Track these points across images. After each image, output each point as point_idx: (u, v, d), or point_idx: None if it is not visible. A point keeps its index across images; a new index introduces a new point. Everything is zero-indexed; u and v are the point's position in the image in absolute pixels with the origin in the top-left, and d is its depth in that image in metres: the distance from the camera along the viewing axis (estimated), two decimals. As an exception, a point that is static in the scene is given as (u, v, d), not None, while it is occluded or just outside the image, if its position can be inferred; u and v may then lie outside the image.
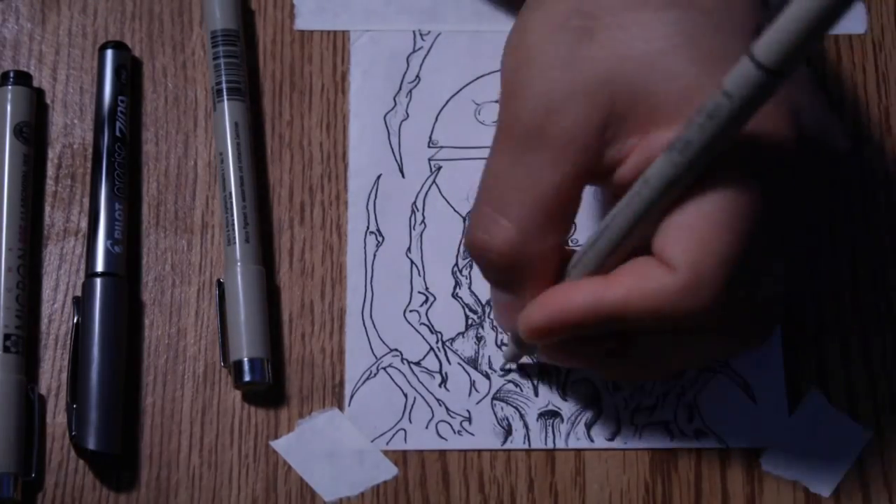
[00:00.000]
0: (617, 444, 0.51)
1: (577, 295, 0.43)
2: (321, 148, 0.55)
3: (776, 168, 0.41)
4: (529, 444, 0.51)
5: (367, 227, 0.54)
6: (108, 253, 0.52)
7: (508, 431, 0.51)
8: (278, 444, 0.51)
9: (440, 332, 0.52)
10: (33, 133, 0.54)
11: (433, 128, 0.55)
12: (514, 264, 0.44)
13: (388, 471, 0.50)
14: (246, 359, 0.50)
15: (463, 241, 0.45)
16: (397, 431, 0.51)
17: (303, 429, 0.51)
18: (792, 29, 0.35)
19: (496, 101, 0.56)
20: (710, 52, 0.41)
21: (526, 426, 0.51)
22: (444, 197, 0.54)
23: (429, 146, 0.55)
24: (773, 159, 0.41)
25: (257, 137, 0.55)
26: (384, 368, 0.52)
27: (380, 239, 0.54)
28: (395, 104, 0.56)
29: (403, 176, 0.55)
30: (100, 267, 0.51)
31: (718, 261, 0.40)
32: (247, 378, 0.50)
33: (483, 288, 0.53)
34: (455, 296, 0.53)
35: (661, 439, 0.51)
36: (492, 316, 0.52)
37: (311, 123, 0.55)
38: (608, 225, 0.42)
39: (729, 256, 0.40)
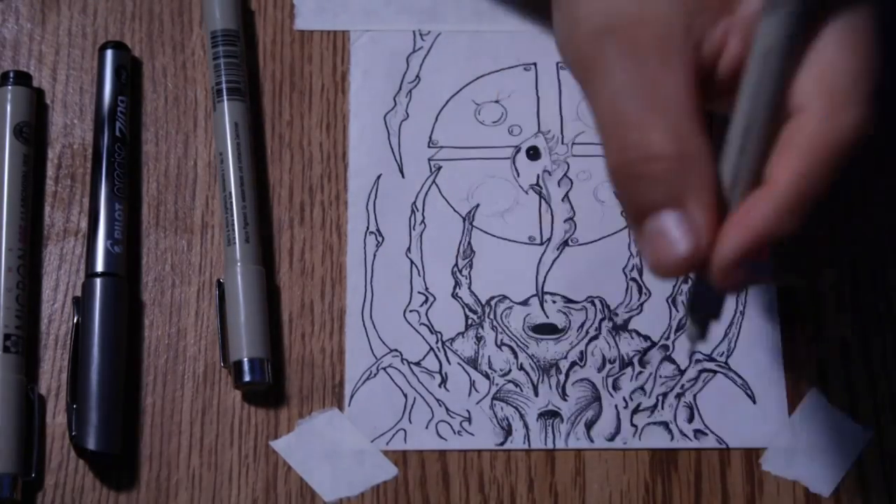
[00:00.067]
0: (617, 444, 0.51)
1: (762, 201, 0.40)
2: (321, 148, 0.55)
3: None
4: (529, 444, 0.51)
5: (367, 227, 0.54)
6: (108, 253, 0.52)
7: (508, 431, 0.51)
8: (278, 444, 0.51)
9: (440, 332, 0.52)
10: (33, 133, 0.54)
11: (433, 128, 0.55)
12: (679, 167, 0.41)
13: (388, 471, 0.50)
14: (246, 359, 0.50)
15: (610, 170, 0.42)
16: (397, 431, 0.51)
17: (303, 429, 0.51)
18: None
19: (496, 101, 0.56)
20: None
21: (526, 426, 0.51)
22: (444, 197, 0.54)
23: (429, 146, 0.55)
24: None
25: (257, 137, 0.55)
26: (384, 368, 0.52)
27: (380, 239, 0.54)
28: (395, 104, 0.56)
29: (403, 176, 0.55)
30: (100, 267, 0.51)
31: (852, 76, 0.39)
32: (247, 378, 0.50)
33: (483, 288, 0.53)
34: (455, 296, 0.53)
35: (661, 439, 0.51)
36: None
37: (311, 123, 0.55)
38: (739, 115, 0.40)
39: (861, 71, 0.39)
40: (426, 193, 0.54)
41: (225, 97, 0.54)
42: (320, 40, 0.57)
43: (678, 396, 0.52)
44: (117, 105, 0.54)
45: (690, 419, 0.51)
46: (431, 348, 0.52)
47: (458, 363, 0.52)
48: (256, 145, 0.54)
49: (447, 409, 0.51)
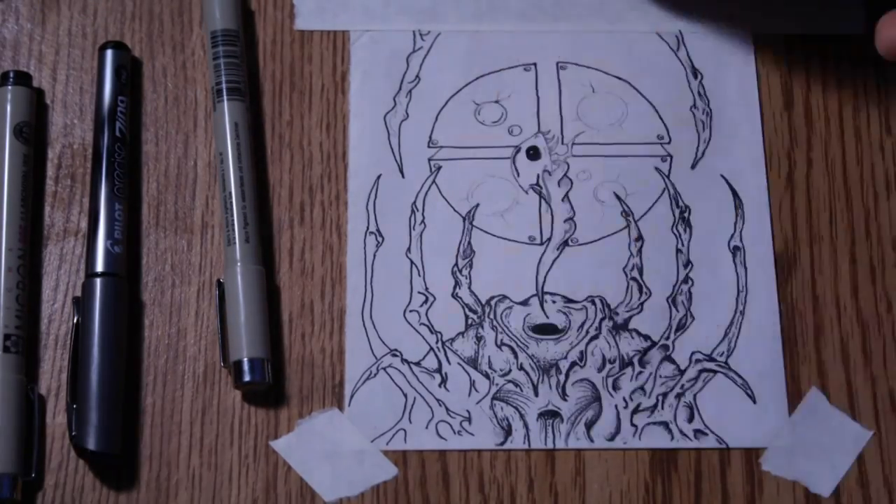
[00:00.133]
0: (617, 444, 0.51)
1: None
2: (321, 148, 0.55)
3: None
4: (529, 444, 0.51)
5: (367, 227, 0.54)
6: (108, 253, 0.52)
7: (508, 431, 0.51)
8: (278, 444, 0.51)
9: (440, 332, 0.52)
10: (33, 133, 0.54)
11: (433, 128, 0.55)
12: None
13: (388, 471, 0.50)
14: (246, 359, 0.50)
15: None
16: (397, 431, 0.51)
17: (303, 429, 0.51)
18: None
19: (496, 101, 0.56)
20: None
21: (526, 426, 0.51)
22: (444, 197, 0.54)
23: (429, 146, 0.55)
24: None
25: (257, 137, 0.55)
26: (384, 368, 0.52)
27: (380, 239, 0.54)
28: (395, 104, 0.56)
29: (403, 176, 0.55)
30: (100, 267, 0.51)
31: None
32: (247, 378, 0.50)
33: (483, 288, 0.53)
34: (455, 296, 0.53)
35: (661, 439, 0.51)
36: None
37: (311, 123, 0.55)
38: None
39: None
40: (426, 193, 0.54)
41: (225, 97, 0.54)
42: (320, 40, 0.57)
43: (678, 396, 0.52)
44: (117, 105, 0.54)
45: (690, 419, 0.51)
46: (431, 348, 0.52)
47: (458, 363, 0.52)
48: (256, 145, 0.54)
49: (447, 409, 0.51)
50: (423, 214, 0.54)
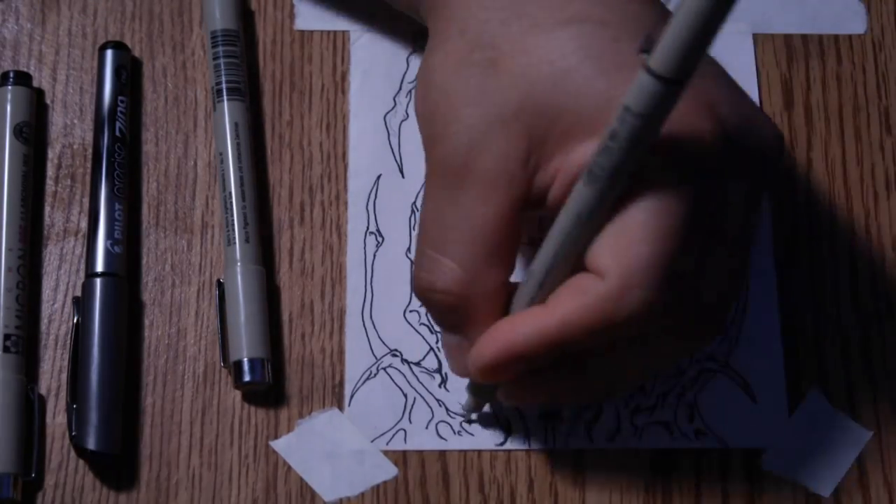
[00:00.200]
0: (617, 444, 0.51)
1: (521, 326, 0.43)
2: (321, 148, 0.55)
3: (702, 165, 0.41)
4: (529, 445, 0.51)
5: (367, 228, 0.54)
6: (108, 253, 0.52)
7: (508, 431, 0.51)
8: (278, 444, 0.51)
9: (440, 333, 0.52)
10: (33, 133, 0.54)
11: (433, 128, 0.55)
12: (461, 303, 0.44)
13: (388, 471, 0.50)
14: (246, 359, 0.50)
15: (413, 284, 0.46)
16: (397, 431, 0.51)
17: (303, 429, 0.51)
18: (682, 35, 0.35)
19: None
20: (614, 63, 0.41)
21: (526, 426, 0.51)
22: (444, 197, 0.54)
23: (429, 146, 0.55)
24: (697, 156, 0.41)
25: (257, 137, 0.55)
26: (384, 368, 0.52)
27: (380, 239, 0.53)
28: (395, 104, 0.56)
29: (403, 176, 0.55)
30: (100, 267, 0.51)
31: (646, 262, 0.40)
32: (247, 378, 0.50)
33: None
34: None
35: (661, 439, 0.51)
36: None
37: (311, 123, 0.55)
38: (542, 254, 0.42)
39: (657, 257, 0.40)
40: (426, 193, 0.54)
41: (225, 97, 0.54)
42: (320, 40, 0.57)
43: (678, 396, 0.52)
44: (117, 105, 0.54)
45: (691, 419, 0.51)
46: (431, 348, 0.52)
47: (458, 363, 0.52)
48: (256, 145, 0.54)
49: (447, 409, 0.51)
50: (423, 214, 0.54)
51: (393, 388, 0.52)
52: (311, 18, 0.57)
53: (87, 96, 0.55)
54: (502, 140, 0.42)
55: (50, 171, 0.54)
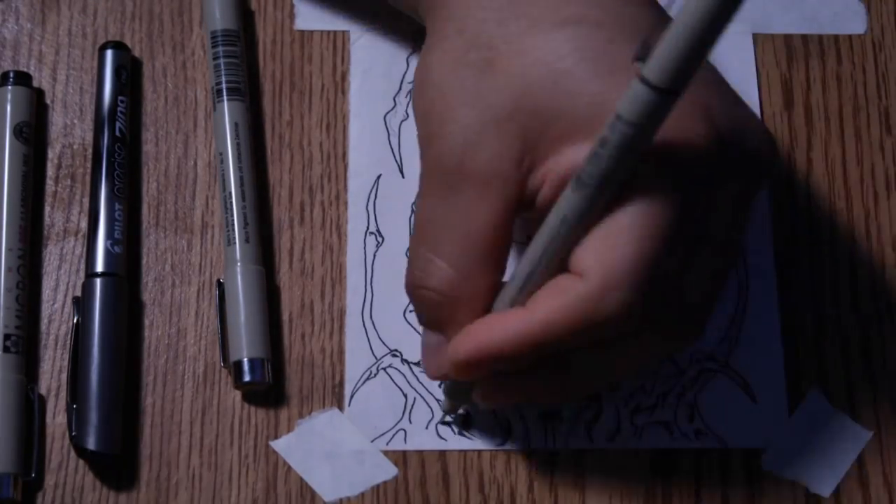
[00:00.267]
0: (617, 444, 0.51)
1: (499, 324, 0.43)
2: (321, 148, 0.55)
3: (694, 169, 0.41)
4: (529, 444, 0.51)
5: (367, 228, 0.54)
6: (108, 253, 0.52)
7: (508, 431, 0.51)
8: (278, 444, 0.51)
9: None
10: (33, 133, 0.54)
11: (433, 128, 0.55)
12: (452, 303, 0.44)
13: (388, 471, 0.50)
14: (246, 359, 0.50)
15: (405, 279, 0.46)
16: (397, 431, 0.51)
17: (303, 429, 0.51)
18: (679, 45, 0.35)
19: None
20: (610, 65, 0.41)
21: (526, 426, 0.51)
22: (444, 197, 0.54)
23: (429, 146, 0.55)
24: (689, 160, 0.41)
25: (257, 137, 0.55)
26: (384, 369, 0.52)
27: (380, 239, 0.53)
28: (395, 104, 0.56)
29: (403, 176, 0.55)
30: (100, 267, 0.51)
31: (628, 264, 0.40)
32: (247, 378, 0.50)
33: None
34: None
35: (661, 439, 0.51)
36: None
37: (311, 123, 0.55)
38: (528, 255, 0.42)
39: (639, 259, 0.40)
40: (426, 193, 0.54)
41: (225, 97, 0.54)
42: (320, 40, 0.57)
43: (678, 396, 0.52)
44: (117, 105, 0.54)
45: (691, 419, 0.51)
46: (431, 348, 0.52)
47: (458, 363, 0.52)
48: (256, 145, 0.54)
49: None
50: (423, 214, 0.54)
51: (393, 389, 0.52)
52: (311, 18, 0.57)
53: (87, 96, 0.55)
54: (497, 140, 0.42)
55: (50, 171, 0.54)
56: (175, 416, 0.51)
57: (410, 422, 0.51)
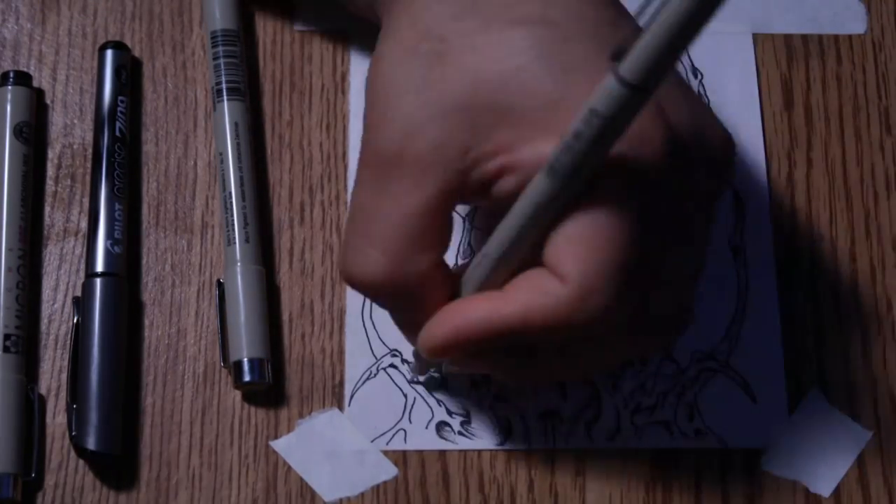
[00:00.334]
0: (617, 443, 0.51)
1: (474, 311, 0.43)
2: (321, 148, 0.55)
3: (654, 174, 0.41)
4: (529, 444, 0.51)
5: (367, 227, 0.54)
6: (108, 253, 0.52)
7: (508, 431, 0.51)
8: (278, 444, 0.51)
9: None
10: (33, 133, 0.54)
11: (433, 128, 0.55)
12: (390, 291, 0.44)
13: (388, 471, 0.50)
14: (246, 359, 0.50)
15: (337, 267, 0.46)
16: (397, 431, 0.51)
17: (303, 429, 0.51)
18: (655, 45, 0.35)
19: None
20: (564, 64, 0.41)
21: (526, 426, 0.51)
22: (444, 197, 0.54)
23: (429, 146, 0.55)
24: (648, 166, 0.41)
25: (257, 137, 0.55)
26: (384, 369, 0.52)
27: (380, 239, 0.53)
28: (395, 104, 0.55)
29: (403, 176, 0.54)
30: (100, 267, 0.51)
31: (606, 271, 0.41)
32: (247, 378, 0.50)
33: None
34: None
35: (661, 439, 0.51)
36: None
37: (311, 123, 0.55)
38: (496, 239, 0.42)
39: (615, 266, 0.41)
40: (426, 193, 0.54)
41: (225, 97, 0.54)
42: (320, 40, 0.57)
43: (678, 396, 0.52)
44: (117, 105, 0.54)
45: (691, 418, 0.51)
46: (431, 348, 0.52)
47: (458, 363, 0.52)
48: (256, 145, 0.54)
49: (447, 409, 0.51)
50: (423, 214, 0.54)
51: (393, 388, 0.52)
52: (311, 18, 0.57)
53: (87, 96, 0.55)
54: (440, 130, 0.42)
55: (50, 171, 0.54)
56: (175, 416, 0.51)
57: (410, 422, 0.51)
